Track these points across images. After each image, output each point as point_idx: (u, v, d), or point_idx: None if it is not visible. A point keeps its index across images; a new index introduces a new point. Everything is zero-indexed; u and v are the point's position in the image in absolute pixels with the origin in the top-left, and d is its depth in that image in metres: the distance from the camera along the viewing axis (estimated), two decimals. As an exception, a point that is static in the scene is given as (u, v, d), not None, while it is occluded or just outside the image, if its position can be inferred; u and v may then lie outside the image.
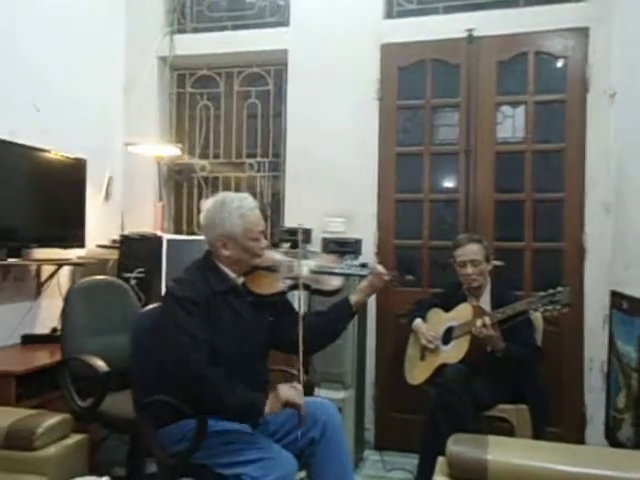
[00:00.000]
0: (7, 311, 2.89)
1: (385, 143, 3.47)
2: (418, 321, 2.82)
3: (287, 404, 1.76)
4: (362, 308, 2.87)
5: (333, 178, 3.48)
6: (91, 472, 2.01)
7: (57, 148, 3.03)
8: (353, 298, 2.07)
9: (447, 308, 2.78)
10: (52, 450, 2.01)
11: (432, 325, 2.78)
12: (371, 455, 3.29)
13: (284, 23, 3.67)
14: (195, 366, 1.77)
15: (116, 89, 3.79)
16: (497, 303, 2.65)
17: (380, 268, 2.06)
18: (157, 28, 3.80)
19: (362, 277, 2.08)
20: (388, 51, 3.45)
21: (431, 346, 2.70)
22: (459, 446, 1.71)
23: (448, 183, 3.50)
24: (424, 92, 3.44)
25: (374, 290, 2.09)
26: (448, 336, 2.68)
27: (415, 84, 3.46)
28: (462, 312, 2.67)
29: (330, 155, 3.49)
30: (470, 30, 3.31)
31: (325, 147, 3.50)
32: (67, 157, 3.10)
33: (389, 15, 3.52)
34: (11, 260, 2.74)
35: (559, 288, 2.43)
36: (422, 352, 2.78)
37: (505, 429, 2.49)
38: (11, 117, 2.88)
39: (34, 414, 2.10)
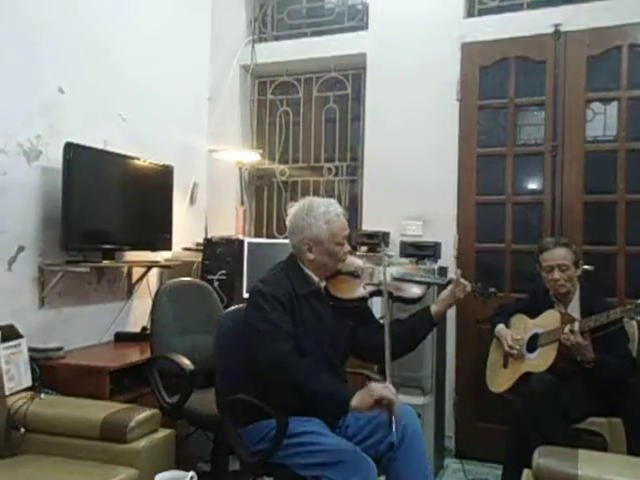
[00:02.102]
0: (102, 310, 3.08)
1: (465, 144, 3.39)
2: (501, 326, 2.73)
3: (379, 401, 1.69)
4: (442, 317, 2.81)
5: (411, 181, 3.44)
6: (177, 466, 2.08)
7: (146, 155, 3.19)
8: (434, 308, 2.04)
9: (532, 314, 2.67)
10: (142, 443, 2.10)
11: (516, 331, 2.67)
12: (452, 463, 3.21)
13: (362, 27, 3.68)
14: (277, 352, 1.78)
15: (201, 98, 3.94)
16: (587, 310, 2.52)
17: (462, 280, 2.01)
18: (240, 38, 3.92)
19: (444, 286, 2.05)
20: (469, 50, 3.38)
21: (514, 352, 2.60)
22: (547, 459, 1.65)
23: (532, 184, 3.37)
24: (507, 91, 3.34)
25: (455, 301, 2.05)
26: (533, 343, 2.58)
27: (497, 83, 3.36)
28: (549, 319, 2.55)
29: (408, 157, 3.46)
30: (557, 25, 3.18)
31: (403, 149, 3.47)
32: (156, 164, 3.25)
33: (470, 14, 3.44)
34: (105, 262, 2.90)
35: (657, 295, 2.28)
36: (505, 359, 2.69)
37: (596, 443, 2.36)
38: (104, 127, 3.06)
39: (126, 408, 2.21)
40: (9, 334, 2.34)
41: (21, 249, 2.60)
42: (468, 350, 3.30)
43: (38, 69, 2.68)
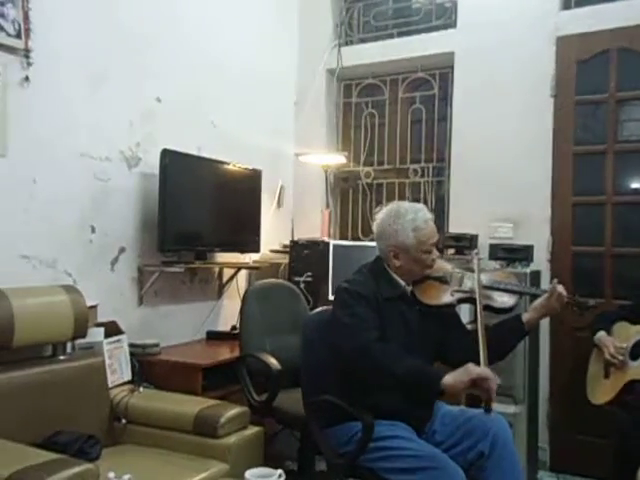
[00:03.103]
0: (194, 309, 3.21)
1: (560, 142, 3.23)
2: (602, 334, 2.55)
3: (477, 380, 1.64)
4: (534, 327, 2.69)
5: (501, 181, 3.33)
6: (265, 464, 2.12)
7: (236, 160, 3.29)
8: (526, 316, 1.95)
9: (636, 321, 2.49)
10: (233, 439, 2.16)
11: (618, 339, 2.51)
12: (546, 476, 3.07)
13: (451, 25, 3.60)
14: (362, 340, 1.77)
15: (288, 103, 4.01)
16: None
17: (560, 288, 1.91)
18: (326, 42, 3.95)
19: (537, 296, 1.96)
20: (565, 44, 3.21)
21: (616, 361, 2.44)
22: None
23: (636, 184, 3.15)
24: (607, 85, 3.14)
25: (550, 312, 1.95)
26: (638, 351, 2.40)
27: (596, 77, 3.17)
28: (656, 326, 2.38)
29: (498, 157, 3.35)
30: (665, 12, 2.96)
31: (493, 149, 3.36)
32: (245, 168, 3.35)
33: (566, 6, 3.28)
34: (198, 263, 3.02)
35: None
36: (606, 369, 2.53)
37: None
38: (198, 134, 3.19)
39: (217, 404, 2.29)
40: (112, 330, 2.49)
41: (122, 250, 2.77)
42: (564, 358, 3.13)
43: (139, 81, 2.84)
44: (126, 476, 1.56)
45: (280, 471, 1.79)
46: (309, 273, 3.31)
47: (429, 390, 1.73)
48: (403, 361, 1.74)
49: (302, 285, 3.25)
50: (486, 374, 1.65)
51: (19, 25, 2.25)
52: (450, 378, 1.66)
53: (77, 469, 1.58)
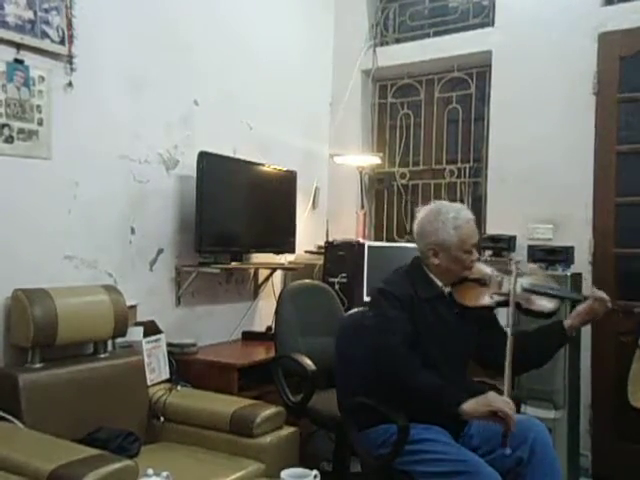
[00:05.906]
0: (230, 309, 3.24)
1: (603, 141, 3.14)
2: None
3: (495, 413, 1.61)
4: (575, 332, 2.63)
5: (540, 182, 3.26)
6: (301, 464, 2.13)
7: (272, 161, 3.31)
8: (567, 322, 1.90)
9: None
10: (268, 439, 2.17)
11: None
12: (587, 484, 3.00)
13: (488, 23, 3.55)
14: (385, 343, 1.79)
15: (323, 104, 4.02)
16: None
17: (601, 293, 1.86)
18: (361, 43, 3.94)
19: (577, 301, 1.91)
20: (608, 40, 3.12)
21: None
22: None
23: (683, 183, 3.04)
24: (653, 82, 3.05)
25: (593, 317, 1.89)
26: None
27: (640, 73, 3.09)
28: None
29: (537, 157, 3.28)
30: None
31: (531, 148, 3.29)
32: (280, 170, 3.37)
33: (609, 1, 3.19)
34: (234, 264, 3.05)
35: None
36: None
37: None
38: (233, 136, 3.22)
39: (253, 404, 2.30)
40: (151, 329, 2.54)
41: (160, 251, 2.81)
42: (607, 364, 3.04)
43: (177, 85, 2.89)
44: (164, 473, 1.58)
45: (315, 472, 1.78)
46: (344, 274, 3.30)
47: (445, 411, 1.72)
48: (423, 374, 1.74)
49: (337, 286, 3.24)
50: (505, 409, 1.60)
51: (63, 32, 2.32)
52: (470, 405, 1.64)
53: (117, 465, 1.61)
